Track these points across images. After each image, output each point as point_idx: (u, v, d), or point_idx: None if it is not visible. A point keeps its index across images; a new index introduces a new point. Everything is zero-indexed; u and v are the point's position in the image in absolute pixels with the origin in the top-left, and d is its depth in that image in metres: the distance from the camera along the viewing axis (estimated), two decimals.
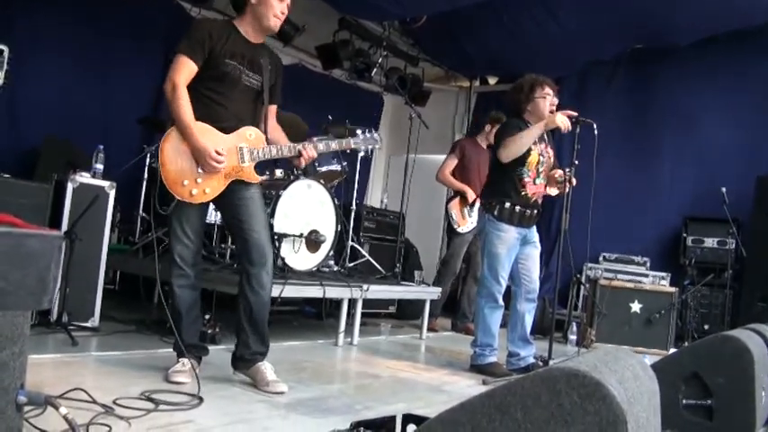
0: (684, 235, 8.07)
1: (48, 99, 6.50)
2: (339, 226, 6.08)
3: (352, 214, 6.93)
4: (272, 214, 5.51)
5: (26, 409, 1.99)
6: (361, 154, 4.41)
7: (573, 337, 7.12)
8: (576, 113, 4.90)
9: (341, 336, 5.65)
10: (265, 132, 3.88)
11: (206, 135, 3.63)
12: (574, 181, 4.96)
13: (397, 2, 7.41)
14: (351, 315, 5.77)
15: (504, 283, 5.00)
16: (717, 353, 2.64)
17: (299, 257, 5.73)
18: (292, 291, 5.21)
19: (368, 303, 6.27)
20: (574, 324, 7.26)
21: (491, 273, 4.98)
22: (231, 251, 5.65)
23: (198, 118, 3.63)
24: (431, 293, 6.83)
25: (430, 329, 6.97)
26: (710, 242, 7.87)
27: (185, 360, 3.76)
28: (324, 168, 6.33)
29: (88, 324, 4.77)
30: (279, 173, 6.03)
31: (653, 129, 8.69)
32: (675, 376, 2.74)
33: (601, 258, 8.39)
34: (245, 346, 3.81)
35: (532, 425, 1.51)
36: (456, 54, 9.58)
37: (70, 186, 4.73)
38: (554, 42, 8.29)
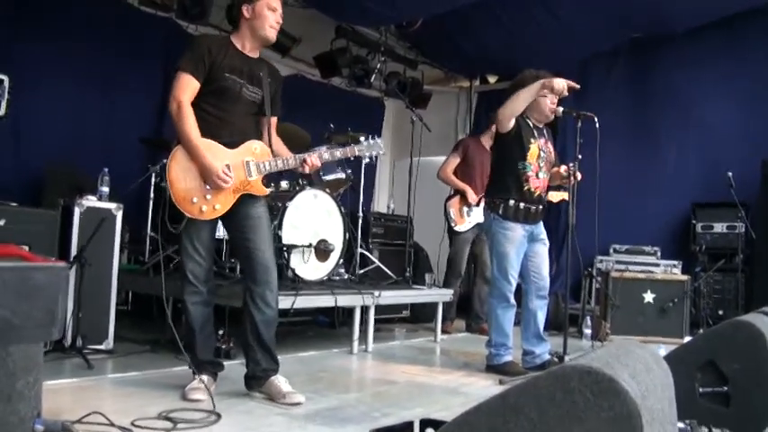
0: (693, 221, 8.04)
1: (50, 124, 6.52)
2: (347, 234, 6.09)
3: (360, 221, 6.93)
4: (279, 226, 5.52)
5: None
6: (366, 161, 4.41)
7: (588, 331, 7.10)
8: (577, 86, 4.89)
9: (355, 343, 5.65)
10: (270, 145, 3.90)
11: (212, 152, 3.66)
12: (579, 175, 4.96)
13: (391, 6, 7.43)
14: (364, 322, 5.77)
15: (514, 282, 5.00)
16: (730, 339, 2.63)
17: (309, 268, 5.74)
18: (304, 301, 5.21)
19: (381, 309, 6.27)
20: (588, 318, 7.25)
21: (501, 272, 4.98)
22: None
23: (202, 134, 3.66)
24: (443, 296, 6.82)
25: (444, 332, 6.97)
26: (720, 227, 7.83)
27: (201, 377, 3.77)
28: (329, 177, 6.34)
29: (103, 347, 4.78)
30: (284, 184, 6.04)
31: (655, 117, 8.67)
32: (691, 365, 2.73)
33: (611, 250, 8.36)
34: (256, 363, 3.82)
35: (547, 424, 1.51)
36: (454, 55, 9.60)
37: (77, 211, 4.75)
38: (552, 37, 8.29)
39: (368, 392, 4.39)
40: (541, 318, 5.11)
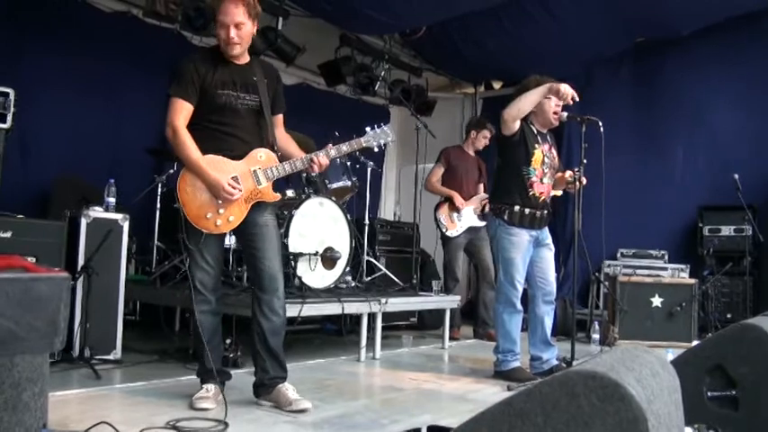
0: (700, 225, 8.02)
1: (56, 136, 6.54)
2: (353, 241, 6.09)
3: (366, 228, 6.93)
4: (286, 234, 5.52)
5: None
6: (375, 150, 4.38)
7: (596, 336, 7.09)
8: (577, 98, 4.89)
9: (363, 351, 5.64)
10: (272, 148, 3.89)
11: (216, 166, 3.68)
12: (584, 180, 4.96)
13: (395, 14, 7.44)
14: (371, 329, 5.77)
15: (520, 288, 4.99)
16: (738, 342, 2.61)
17: (316, 275, 5.74)
18: (311, 309, 5.22)
19: (388, 316, 6.27)
20: (596, 323, 7.23)
21: (507, 278, 4.98)
22: (248, 275, 5.66)
23: (208, 151, 3.68)
24: (450, 302, 6.81)
25: (452, 338, 6.96)
26: (727, 230, 7.81)
27: (209, 386, 3.78)
28: (335, 185, 6.34)
29: (111, 357, 4.79)
30: (290, 193, 6.05)
31: (661, 121, 8.66)
32: (699, 369, 2.72)
33: (618, 255, 8.35)
34: (264, 371, 3.83)
35: (553, 429, 1.51)
36: (458, 62, 9.60)
37: (84, 222, 4.76)
38: (556, 43, 8.29)
39: (376, 400, 4.38)
40: (549, 323, 5.10)
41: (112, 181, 5.17)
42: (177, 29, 7.20)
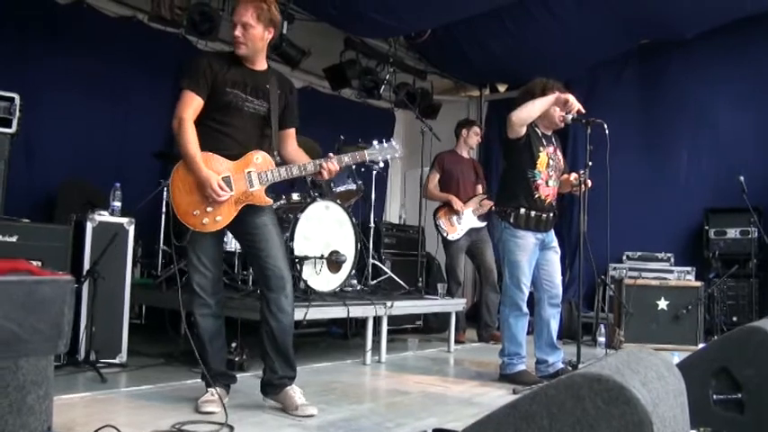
0: (706, 227, 8.00)
1: (61, 141, 6.56)
2: (359, 244, 6.09)
3: (372, 231, 6.94)
4: (291, 237, 5.53)
5: None
6: (381, 164, 4.38)
7: (602, 339, 7.07)
8: (583, 110, 4.90)
9: (368, 354, 5.64)
10: (275, 156, 3.89)
11: (211, 163, 3.69)
12: (589, 183, 4.95)
13: (399, 18, 7.45)
14: (377, 333, 5.77)
15: (526, 291, 4.99)
16: (743, 345, 2.61)
17: (322, 279, 5.74)
18: (316, 312, 5.22)
19: (393, 319, 6.27)
20: (602, 326, 7.22)
21: (512, 281, 4.97)
22: (253, 278, 5.66)
23: (204, 148, 3.69)
24: (455, 306, 6.81)
25: (458, 341, 6.96)
26: (733, 233, 7.79)
27: (214, 389, 3.78)
28: (340, 188, 6.35)
29: (116, 360, 4.80)
30: (295, 196, 6.06)
31: (666, 123, 8.64)
32: (704, 372, 2.72)
33: (624, 257, 8.34)
34: (272, 371, 3.83)
35: None
36: (463, 64, 9.60)
37: (89, 226, 4.77)
38: (560, 45, 8.29)
39: (381, 403, 4.38)
40: (555, 326, 5.09)
41: (118, 185, 5.18)
42: (182, 33, 7.21)
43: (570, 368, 4.93)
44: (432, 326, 7.76)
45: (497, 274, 7.04)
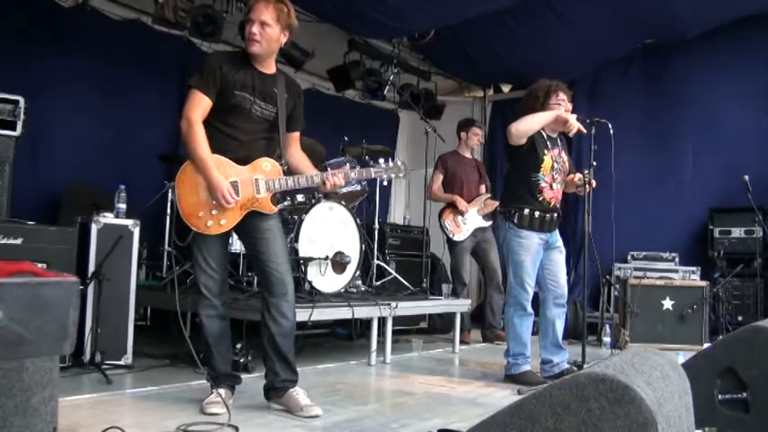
0: (711, 227, 7.99)
1: (66, 143, 6.57)
2: (363, 245, 6.09)
3: (376, 232, 6.93)
4: (296, 239, 5.54)
5: None
6: (385, 183, 4.40)
7: (607, 340, 7.07)
8: (584, 130, 4.92)
9: (373, 355, 5.64)
10: (279, 160, 3.89)
11: (221, 167, 3.68)
12: (594, 183, 4.95)
13: (403, 19, 7.45)
14: (382, 333, 5.77)
15: (530, 291, 4.98)
16: (748, 345, 2.60)
17: (326, 280, 5.75)
18: (321, 313, 5.23)
19: (398, 320, 6.27)
20: (607, 326, 7.21)
21: (516, 281, 4.97)
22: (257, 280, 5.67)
23: (212, 151, 3.68)
24: (460, 306, 6.81)
25: (462, 342, 6.95)
26: (738, 232, 7.78)
27: (220, 390, 3.78)
28: (344, 189, 6.34)
29: (122, 362, 4.80)
30: (300, 197, 6.05)
31: (671, 123, 8.64)
32: (710, 372, 2.71)
33: (629, 257, 8.33)
34: (274, 374, 3.83)
35: None
36: (467, 65, 9.60)
37: (94, 228, 4.77)
38: (565, 45, 8.29)
39: (386, 404, 4.38)
40: (560, 326, 5.08)
41: (123, 187, 5.18)
42: (186, 36, 7.22)
43: (575, 368, 4.92)
44: (436, 326, 7.76)
45: (502, 274, 7.04)
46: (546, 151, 4.93)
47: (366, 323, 5.97)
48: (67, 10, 6.69)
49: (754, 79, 8.08)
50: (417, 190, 9.13)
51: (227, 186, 3.64)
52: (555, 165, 4.98)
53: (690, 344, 6.66)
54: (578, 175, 5.07)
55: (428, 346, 6.99)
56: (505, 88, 10.78)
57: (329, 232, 5.83)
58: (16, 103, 4.93)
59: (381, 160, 4.15)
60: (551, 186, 4.97)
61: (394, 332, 6.02)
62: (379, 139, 7.96)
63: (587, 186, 4.95)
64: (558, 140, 5.11)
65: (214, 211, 3.69)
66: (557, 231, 5.13)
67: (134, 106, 7.25)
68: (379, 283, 6.83)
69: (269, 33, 3.74)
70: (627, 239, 7.77)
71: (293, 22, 3.85)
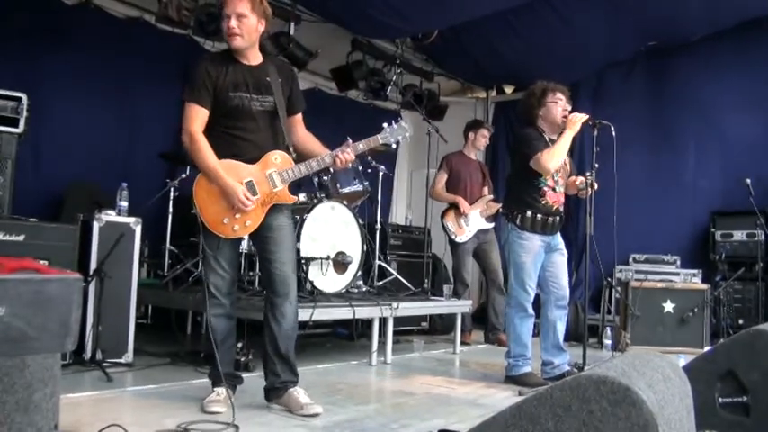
0: (713, 230, 7.99)
1: (69, 141, 6.58)
2: (365, 245, 6.09)
3: (378, 233, 6.93)
4: (297, 239, 5.53)
5: None
6: (393, 146, 4.36)
7: (608, 342, 7.07)
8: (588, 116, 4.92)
9: (374, 355, 5.64)
10: (287, 150, 3.88)
11: (232, 171, 3.68)
12: (595, 185, 4.95)
13: (407, 19, 7.46)
14: (383, 334, 5.76)
15: (532, 292, 4.98)
16: (749, 348, 2.60)
17: (328, 280, 5.75)
18: (322, 313, 5.24)
19: (399, 321, 6.27)
20: (608, 328, 7.21)
21: (518, 282, 4.97)
22: (260, 278, 5.67)
23: (222, 156, 3.68)
24: (461, 307, 6.81)
25: (463, 343, 6.95)
26: (739, 235, 7.78)
27: (220, 389, 3.78)
28: (346, 189, 6.35)
29: (122, 360, 4.80)
30: (302, 197, 6.05)
31: (673, 125, 8.63)
32: (711, 375, 2.71)
33: (630, 260, 8.34)
34: (275, 374, 3.83)
35: None
36: (470, 66, 9.61)
37: (96, 225, 4.77)
38: (568, 47, 8.30)
39: (387, 404, 4.38)
40: (561, 328, 5.08)
41: (125, 185, 5.19)
42: (190, 34, 7.23)
43: (576, 370, 4.92)
44: (437, 327, 7.77)
45: (504, 276, 7.04)
46: None
47: (367, 323, 5.97)
48: (71, 8, 6.70)
49: (758, 82, 8.06)
50: (419, 190, 9.13)
51: (242, 190, 3.64)
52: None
53: (690, 347, 6.66)
54: (580, 178, 5.06)
55: (429, 347, 7.00)
56: (508, 89, 10.78)
57: (331, 232, 5.83)
58: (19, 100, 4.94)
59: (385, 124, 4.11)
60: (554, 189, 4.97)
61: (395, 332, 6.02)
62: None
63: (589, 189, 4.95)
64: None
65: (237, 215, 3.70)
66: (558, 234, 5.13)
67: (137, 105, 7.27)
68: (380, 283, 6.83)
69: (247, 25, 3.73)
70: (628, 242, 7.78)
71: (268, 9, 3.84)
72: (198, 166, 3.72)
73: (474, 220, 7.29)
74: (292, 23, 7.61)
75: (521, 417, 1.58)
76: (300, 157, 3.92)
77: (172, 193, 6.41)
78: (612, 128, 4.86)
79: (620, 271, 8.17)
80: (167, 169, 7.06)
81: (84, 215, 4.90)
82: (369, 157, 6.64)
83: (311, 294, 5.43)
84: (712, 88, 8.35)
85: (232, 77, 3.76)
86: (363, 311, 5.56)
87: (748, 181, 6.97)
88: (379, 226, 6.98)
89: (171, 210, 6.44)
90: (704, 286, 7.12)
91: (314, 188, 6.17)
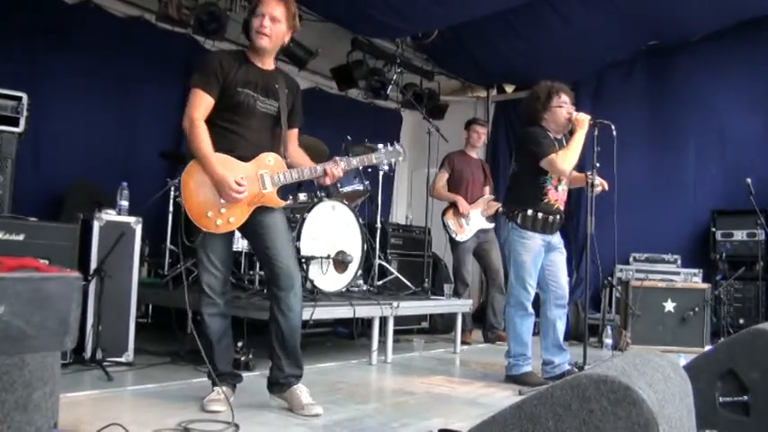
0: (713, 229, 7.98)
1: (69, 140, 6.58)
2: (365, 245, 6.09)
3: (378, 232, 6.93)
4: (298, 237, 5.54)
5: None
6: (386, 167, 4.40)
7: (608, 341, 7.07)
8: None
9: (374, 354, 5.64)
10: (284, 157, 3.91)
11: (225, 165, 3.67)
12: (600, 184, 4.95)
13: (407, 19, 7.46)
14: (383, 333, 5.76)
15: (531, 291, 4.98)
16: (749, 347, 2.60)
17: (328, 279, 5.76)
18: (323, 312, 5.23)
19: (399, 320, 6.27)
20: (608, 328, 7.21)
21: (518, 281, 4.97)
22: (260, 277, 5.67)
23: (217, 149, 3.67)
24: (462, 306, 6.81)
25: (464, 342, 6.95)
26: (740, 235, 7.77)
27: (220, 388, 3.78)
28: (346, 188, 6.35)
29: (123, 359, 4.80)
30: (302, 196, 6.06)
31: (674, 125, 8.63)
32: (711, 374, 2.71)
33: (631, 259, 8.33)
34: (279, 369, 3.83)
35: None
36: (470, 65, 9.61)
37: (96, 225, 4.77)
38: (569, 47, 8.29)
39: (387, 403, 4.37)
40: (561, 327, 5.08)
41: (125, 184, 5.19)
42: (190, 33, 7.23)
43: (576, 369, 4.91)
44: (438, 327, 7.76)
45: (504, 275, 7.04)
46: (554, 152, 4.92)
47: (367, 322, 5.97)
48: (71, 7, 6.70)
49: (758, 82, 8.06)
50: (419, 189, 9.12)
51: (233, 178, 3.64)
52: None
53: (691, 346, 6.66)
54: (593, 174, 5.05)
55: (429, 346, 7.00)
56: (509, 89, 10.78)
57: (331, 231, 5.84)
58: (19, 99, 4.95)
59: (381, 145, 4.17)
60: (556, 188, 4.97)
61: (395, 332, 6.01)
62: (382, 138, 7.85)
63: (596, 188, 4.95)
64: (564, 141, 5.10)
65: (222, 210, 3.69)
66: (558, 233, 5.13)
67: (137, 104, 7.27)
68: (380, 282, 6.83)
69: (277, 29, 3.77)
70: (629, 241, 7.79)
71: (297, 23, 3.88)
72: (192, 152, 3.70)
73: (474, 220, 7.29)
74: None
75: (521, 416, 1.58)
76: (288, 165, 3.93)
77: (172, 193, 6.41)
78: (613, 127, 4.86)
79: (621, 270, 8.16)
80: (168, 168, 7.06)
81: (84, 214, 4.90)
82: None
83: (312, 293, 5.43)
84: (713, 87, 8.34)
85: (243, 75, 3.77)
86: (363, 311, 5.56)
87: (749, 180, 6.97)
88: (379, 225, 6.97)
89: (171, 209, 6.44)
90: (705, 285, 7.12)
91: (314, 187, 6.17)
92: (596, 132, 4.94)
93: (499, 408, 1.64)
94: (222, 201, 3.67)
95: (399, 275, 7.04)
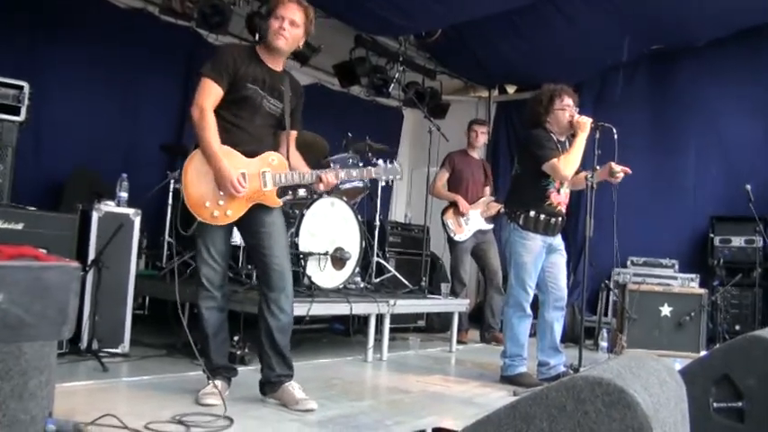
0: (711, 235, 7.99)
1: (70, 131, 6.58)
2: (364, 242, 6.09)
3: (377, 230, 6.93)
4: (296, 233, 5.54)
5: None
6: (382, 184, 4.44)
7: (604, 344, 7.07)
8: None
9: (370, 351, 5.65)
10: (287, 158, 3.92)
11: (230, 159, 3.68)
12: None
13: (411, 17, 7.45)
14: (379, 330, 5.77)
15: (531, 292, 4.99)
16: (745, 354, 2.60)
17: (326, 275, 5.75)
18: (319, 308, 5.23)
19: (396, 318, 6.26)
20: (604, 330, 7.22)
21: (517, 282, 4.97)
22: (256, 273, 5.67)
23: (222, 142, 3.68)
24: (458, 306, 6.81)
25: (460, 341, 6.95)
26: (738, 241, 7.78)
27: (215, 382, 3.78)
28: (346, 186, 6.34)
29: (118, 350, 4.80)
30: (302, 192, 6.05)
31: (675, 130, 8.63)
32: (706, 379, 2.71)
33: (629, 263, 8.34)
34: (270, 368, 3.83)
35: None
36: (473, 65, 9.60)
37: (95, 215, 4.77)
38: (572, 49, 8.29)
39: (381, 401, 4.37)
40: (558, 329, 5.08)
41: (125, 176, 5.18)
42: (193, 27, 7.23)
43: (571, 371, 4.92)
44: (434, 325, 7.76)
45: (502, 275, 7.05)
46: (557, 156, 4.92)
47: (364, 320, 5.98)
48: None
49: (760, 89, 8.06)
50: (419, 188, 9.13)
51: (236, 175, 3.64)
52: None
53: (686, 351, 6.65)
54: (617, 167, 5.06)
55: (425, 345, 7.00)
56: (510, 89, 10.78)
57: (330, 228, 5.83)
58: (21, 88, 4.94)
59: (380, 161, 4.20)
60: (559, 191, 4.97)
61: (391, 330, 6.02)
62: (383, 136, 7.97)
63: (592, 190, 4.95)
64: (567, 144, 5.09)
65: (221, 202, 3.69)
66: (559, 235, 5.14)
67: (139, 96, 7.26)
68: (378, 280, 6.83)
69: (294, 33, 3.81)
70: (627, 244, 7.76)
71: (313, 29, 3.92)
72: (199, 141, 3.71)
73: (473, 220, 7.29)
74: None
75: (515, 416, 1.58)
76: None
77: (172, 185, 6.40)
78: (614, 130, 4.85)
79: (618, 273, 8.16)
80: (168, 161, 7.06)
81: (83, 205, 4.90)
82: (369, 154, 6.64)
83: (309, 289, 5.43)
84: (715, 93, 8.35)
85: (253, 71, 3.79)
86: (360, 308, 5.57)
87: (748, 187, 6.97)
88: (378, 223, 6.97)
89: (170, 201, 6.43)
90: (702, 291, 7.11)
91: None
92: (598, 135, 4.94)
93: (494, 408, 1.64)
94: (221, 193, 3.68)
95: (397, 273, 7.04)
